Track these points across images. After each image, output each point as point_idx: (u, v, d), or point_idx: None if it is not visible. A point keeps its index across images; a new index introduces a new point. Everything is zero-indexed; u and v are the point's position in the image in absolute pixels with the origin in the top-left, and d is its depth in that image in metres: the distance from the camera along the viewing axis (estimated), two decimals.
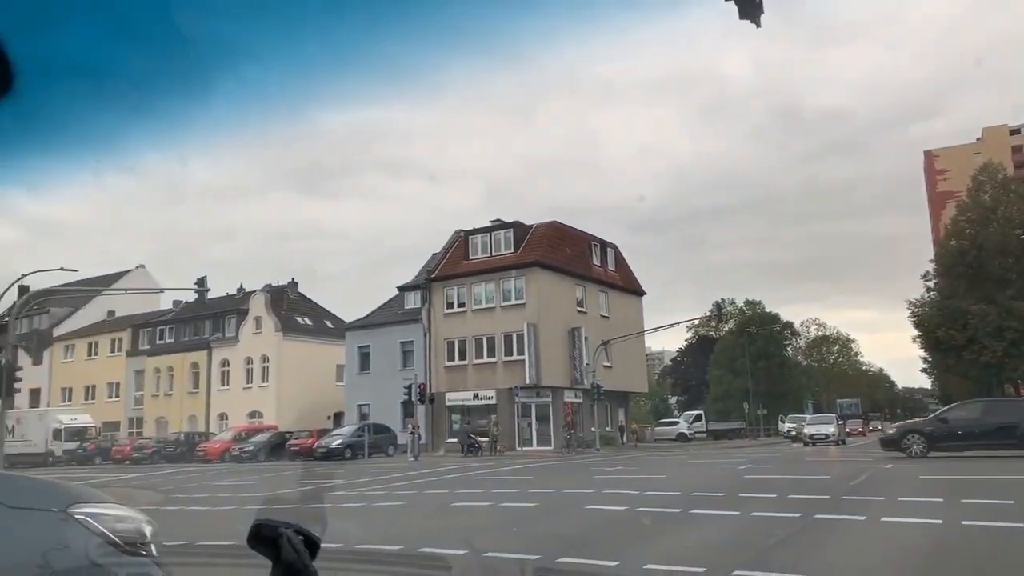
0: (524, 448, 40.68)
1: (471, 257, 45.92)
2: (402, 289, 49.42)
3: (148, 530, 2.96)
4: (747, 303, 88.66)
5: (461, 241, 47.32)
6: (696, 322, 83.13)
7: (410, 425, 37.61)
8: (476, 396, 43.25)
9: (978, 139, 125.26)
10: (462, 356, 44.30)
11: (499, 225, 46.50)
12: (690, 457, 31.59)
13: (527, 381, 41.19)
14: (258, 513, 1.57)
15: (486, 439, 38.20)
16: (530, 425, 42.13)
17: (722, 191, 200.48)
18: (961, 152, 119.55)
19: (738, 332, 78.46)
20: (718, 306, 63.69)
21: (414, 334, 45.75)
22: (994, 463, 19.83)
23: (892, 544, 8.77)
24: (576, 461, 30.32)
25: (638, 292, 53.40)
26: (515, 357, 42.31)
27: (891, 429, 30.58)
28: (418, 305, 46.68)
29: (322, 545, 1.65)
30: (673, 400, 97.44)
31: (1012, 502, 11.47)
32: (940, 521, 9.99)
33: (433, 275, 46.16)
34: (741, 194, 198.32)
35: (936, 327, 54.72)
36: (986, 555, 7.94)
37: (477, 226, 47.48)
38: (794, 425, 49.14)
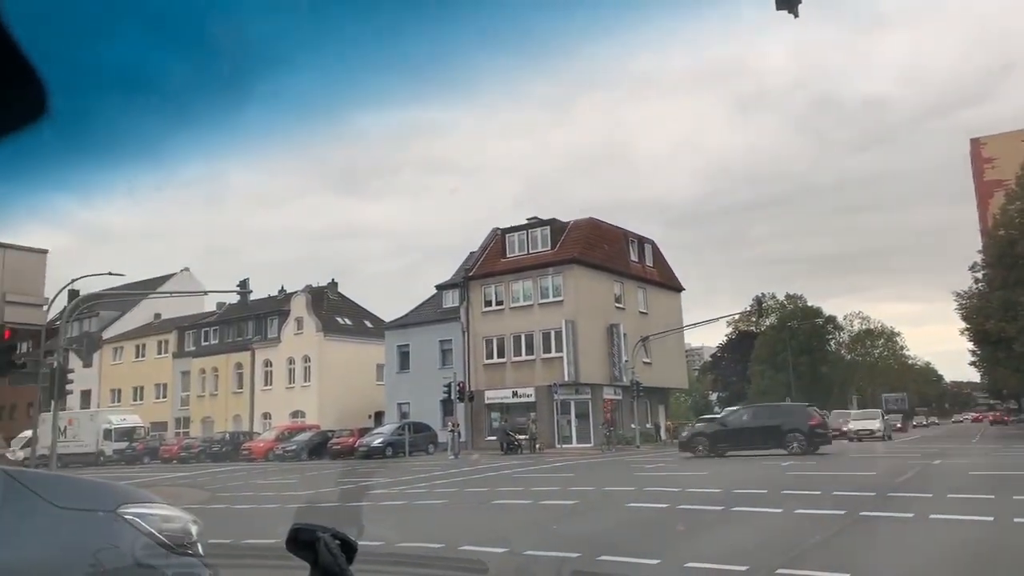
0: (563, 446, 40.62)
1: (508, 255, 45.95)
2: (440, 288, 49.65)
3: (195, 529, 3.02)
4: (788, 297, 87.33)
5: (498, 239, 47.38)
6: (736, 317, 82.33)
7: (450, 423, 37.80)
8: (515, 394, 43.29)
9: None
10: (500, 354, 44.37)
11: (536, 222, 46.47)
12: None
13: (566, 378, 41.10)
14: (296, 516, 1.60)
15: (525, 437, 38.25)
16: (569, 422, 42.05)
17: (761, 184, 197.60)
18: (1009, 139, 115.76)
19: (779, 327, 77.38)
20: (758, 301, 62.93)
21: (453, 333, 45.95)
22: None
23: (939, 543, 8.58)
24: (616, 459, 30.18)
25: (677, 288, 52.94)
26: (553, 354, 42.25)
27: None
28: (456, 304, 46.87)
29: (362, 543, 1.67)
30: (714, 396, 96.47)
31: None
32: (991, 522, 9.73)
33: (471, 273, 46.29)
34: (781, 186, 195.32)
35: (985, 319, 53.29)
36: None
37: (514, 224, 47.53)
38: (841, 421, 48.19)
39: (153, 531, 2.75)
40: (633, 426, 41.78)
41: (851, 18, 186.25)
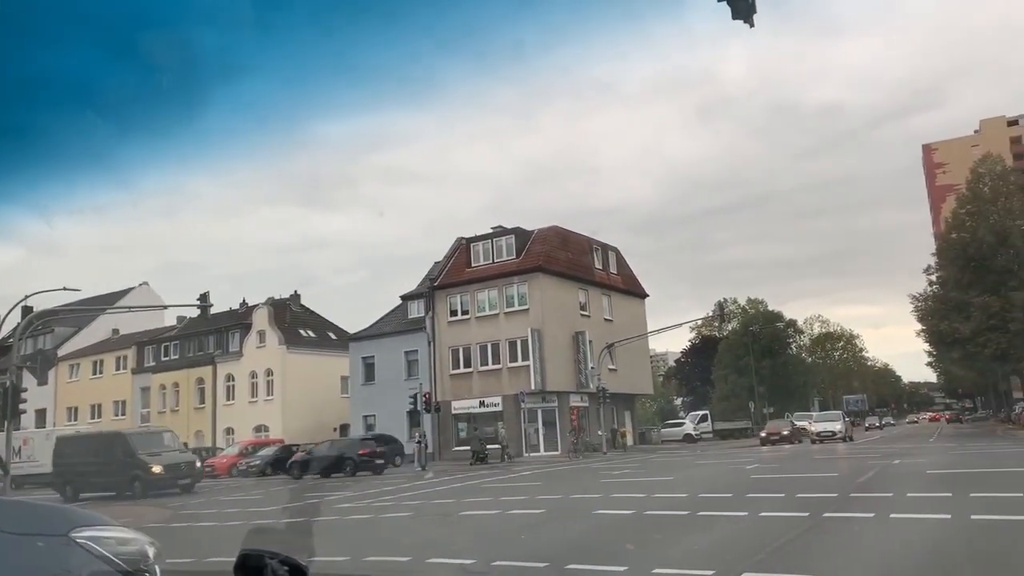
0: (531, 454, 40.61)
1: (473, 264, 45.92)
2: (405, 298, 49.41)
3: (151, 551, 2.95)
4: (750, 302, 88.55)
5: (463, 248, 47.32)
6: (699, 322, 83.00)
7: (416, 435, 37.56)
8: (482, 403, 43.20)
9: (976, 131, 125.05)
10: (467, 364, 44.26)
11: (500, 232, 46.54)
12: (697, 458, 31.52)
13: (533, 387, 41.15)
14: (244, 541, 1.57)
15: (495, 446, 38.14)
16: (537, 431, 42.07)
17: (722, 190, 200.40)
18: (959, 144, 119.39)
19: (742, 331, 78.33)
20: (720, 306, 63.36)
21: (418, 343, 45.72)
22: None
23: (900, 542, 8.74)
24: (583, 465, 30.27)
25: (640, 294, 53.38)
26: (520, 363, 42.28)
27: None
28: (422, 314, 46.65)
29: (327, 559, 1.65)
30: (679, 401, 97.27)
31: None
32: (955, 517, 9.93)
33: (436, 283, 46.15)
34: (741, 192, 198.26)
35: (939, 320, 54.72)
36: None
37: (479, 233, 47.54)
38: (803, 423, 48.93)
39: (108, 555, 2.68)
40: (600, 432, 41.94)
41: (805, 26, 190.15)
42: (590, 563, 8.07)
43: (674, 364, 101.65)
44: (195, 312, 49.99)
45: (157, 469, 26.29)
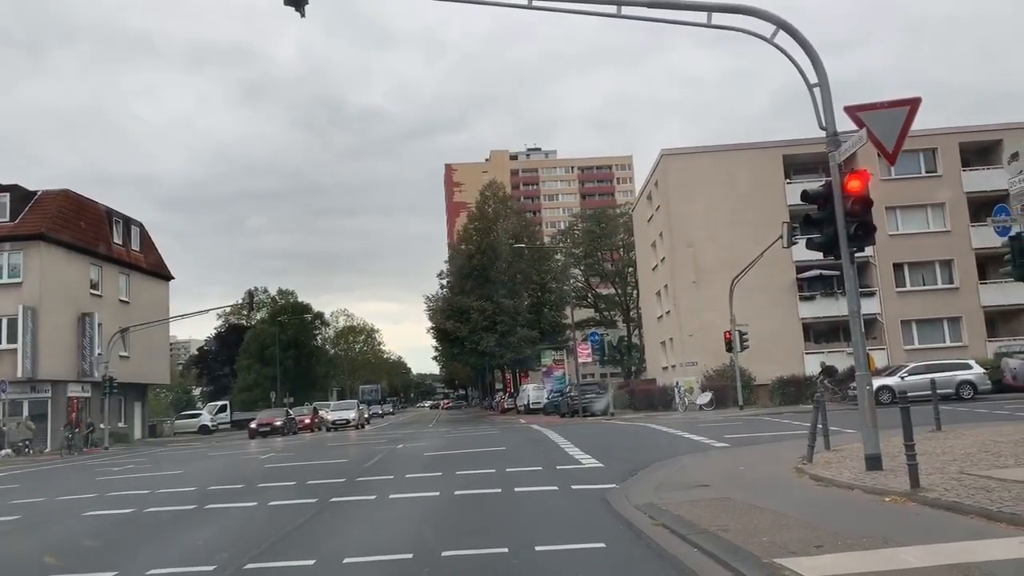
0: (8, 451, 34.53)
1: None
2: None
3: None
4: (280, 292, 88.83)
5: None
6: (228, 310, 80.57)
7: None
8: None
9: (487, 159, 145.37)
10: None
11: None
12: (211, 449, 30.41)
13: (20, 374, 35.15)
14: None
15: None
16: (19, 425, 35.94)
17: (263, 176, 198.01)
18: (474, 168, 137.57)
19: (270, 321, 78.16)
20: (251, 294, 62.69)
21: None
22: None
23: (396, 519, 9.60)
24: (80, 463, 26.86)
25: (166, 276, 49.57)
26: (5, 346, 35.85)
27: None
28: None
29: None
30: (198, 391, 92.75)
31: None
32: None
33: None
34: (282, 182, 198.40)
35: (445, 320, 62.21)
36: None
37: None
38: (323, 412, 50.52)
39: None
40: (103, 426, 37.68)
41: (357, 28, 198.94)
42: (73, 572, 7.16)
43: (196, 352, 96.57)
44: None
45: None
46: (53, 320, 36.99)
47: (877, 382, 22.09)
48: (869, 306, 35.61)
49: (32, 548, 8.95)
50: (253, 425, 40.87)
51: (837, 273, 32.65)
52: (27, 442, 33.94)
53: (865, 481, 9.06)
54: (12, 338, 35.82)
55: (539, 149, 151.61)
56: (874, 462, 9.71)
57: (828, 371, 32.55)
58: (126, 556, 7.88)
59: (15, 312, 35.72)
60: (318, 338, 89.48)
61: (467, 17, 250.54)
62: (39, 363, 35.97)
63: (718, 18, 10.76)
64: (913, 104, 9.75)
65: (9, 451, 33.15)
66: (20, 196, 38.72)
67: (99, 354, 38.81)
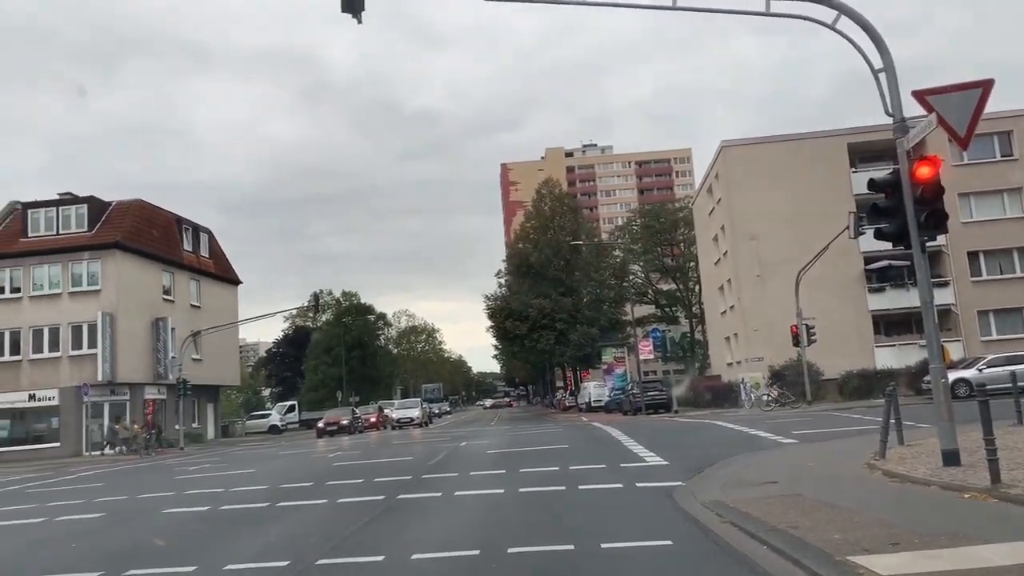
0: (94, 453, 36.18)
1: (31, 234, 39.45)
2: None
3: None
4: (344, 294, 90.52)
5: (18, 215, 40.43)
6: (294, 312, 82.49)
7: None
8: (32, 397, 37.31)
9: (542, 157, 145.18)
10: (14, 351, 37.93)
11: (70, 199, 40.73)
12: (281, 449, 31.20)
13: (100, 378, 36.73)
14: None
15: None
16: (102, 426, 37.61)
17: (324, 179, 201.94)
18: (529, 167, 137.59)
19: (335, 322, 79.72)
20: (316, 296, 63.90)
21: None
22: None
23: (462, 516, 9.71)
24: (157, 462, 27.91)
25: (234, 280, 51.08)
26: (86, 351, 37.49)
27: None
28: None
29: None
30: (267, 392, 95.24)
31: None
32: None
33: None
34: (342, 184, 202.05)
35: (504, 318, 62.47)
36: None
37: (40, 198, 40.90)
38: (387, 411, 51.34)
39: None
40: (177, 427, 39.07)
41: (412, 31, 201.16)
42: (154, 566, 7.46)
43: (265, 354, 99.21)
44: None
45: None
46: (129, 325, 38.51)
47: (953, 375, 21.29)
48: (943, 297, 34.29)
49: (116, 544, 9.35)
50: (320, 424, 41.85)
51: (908, 263, 31.60)
52: (132, 440, 35.33)
53: (942, 477, 8.76)
54: (92, 343, 37.43)
55: (595, 145, 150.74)
56: (951, 457, 9.38)
57: (776, 376, 32.53)
58: (204, 552, 8.17)
59: (94, 318, 37.32)
60: (381, 338, 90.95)
61: (520, 15, 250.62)
62: (117, 367, 37.49)
63: (776, 6, 10.55)
64: (986, 86, 9.37)
65: (122, 447, 34.99)
66: (96, 207, 40.44)
67: (173, 357, 40.24)
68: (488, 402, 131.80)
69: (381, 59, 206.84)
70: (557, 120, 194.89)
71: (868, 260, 37.00)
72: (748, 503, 8.35)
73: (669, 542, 6.88)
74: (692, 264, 64.51)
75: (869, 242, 24.32)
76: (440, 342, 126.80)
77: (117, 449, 35.12)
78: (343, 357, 70.05)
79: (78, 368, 37.28)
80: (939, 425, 9.61)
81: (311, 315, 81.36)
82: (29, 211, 39.95)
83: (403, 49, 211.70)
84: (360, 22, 11.80)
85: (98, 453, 36.02)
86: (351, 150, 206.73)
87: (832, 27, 10.28)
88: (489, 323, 69.96)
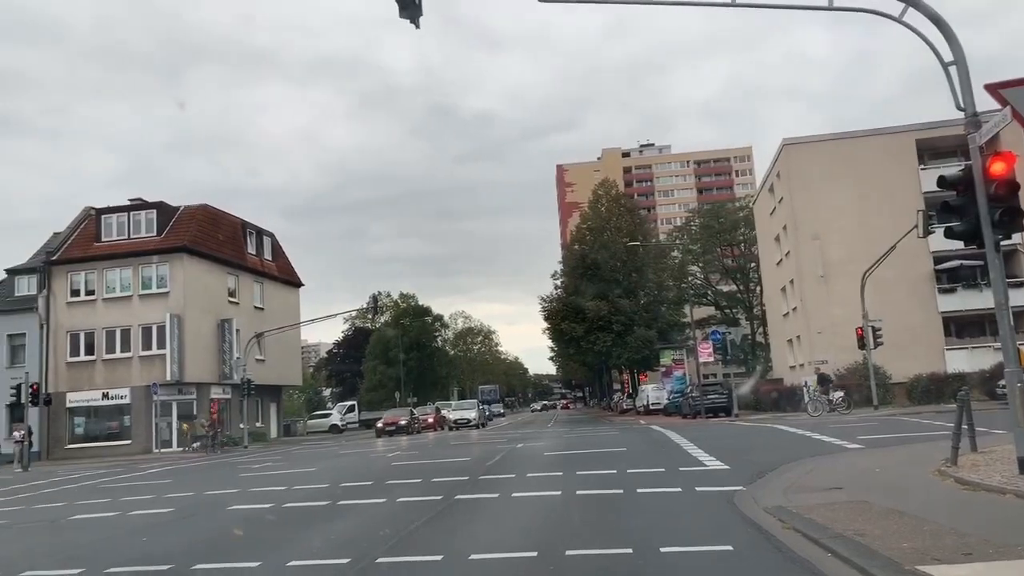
0: (163, 450, 37.40)
1: (104, 239, 40.98)
2: (12, 272, 42.28)
3: None
4: (401, 296, 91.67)
5: (92, 220, 42.02)
6: (353, 314, 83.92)
7: (16, 432, 32.41)
8: (106, 395, 38.78)
9: (598, 158, 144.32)
10: (89, 351, 39.41)
11: (140, 205, 42.16)
12: (341, 448, 31.72)
13: (168, 377, 37.95)
14: None
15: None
16: (170, 425, 38.86)
17: (382, 183, 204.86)
18: (585, 168, 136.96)
19: (393, 324, 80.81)
20: (374, 298, 64.79)
21: (27, 325, 39.45)
22: None
23: (520, 517, 9.71)
24: (222, 460, 28.70)
25: (295, 283, 52.19)
26: (155, 351, 38.80)
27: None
28: (33, 291, 40.31)
29: None
30: (327, 392, 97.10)
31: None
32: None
33: (55, 257, 40.29)
34: (399, 187, 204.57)
35: (560, 320, 62.20)
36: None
37: (113, 204, 42.60)
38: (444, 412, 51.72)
39: None
40: (242, 426, 40.11)
41: (468, 35, 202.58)
42: (221, 561, 7.67)
43: (326, 355, 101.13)
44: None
45: None
46: (196, 327, 39.70)
47: None
48: (1018, 297, 32.84)
49: (184, 539, 9.65)
50: (380, 424, 42.45)
51: (980, 263, 30.45)
52: (205, 438, 36.49)
53: (1018, 485, 8.40)
54: (161, 344, 38.70)
55: (652, 144, 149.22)
56: None
57: (822, 379, 30.46)
58: (268, 548, 8.36)
59: (163, 320, 38.59)
60: (438, 340, 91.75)
61: (574, 15, 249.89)
62: (185, 367, 38.68)
63: (841, 0, 10.29)
64: None
65: (196, 444, 36.28)
66: (164, 212, 41.81)
67: (237, 358, 41.34)
68: (537, 405, 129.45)
69: (438, 63, 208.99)
70: (613, 120, 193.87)
71: (938, 260, 35.75)
72: (812, 509, 8.15)
73: (730, 547, 6.76)
74: (753, 265, 63.31)
75: (939, 241, 23.46)
76: (496, 344, 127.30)
77: (197, 445, 36.29)
78: (401, 358, 70.92)
79: (148, 368, 38.60)
80: (1015, 431, 9.22)
81: (370, 317, 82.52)
82: (102, 216, 41.57)
83: (459, 52, 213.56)
84: (418, 27, 11.93)
85: (167, 450, 37.22)
86: (408, 153, 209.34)
87: (899, 20, 9.98)
88: (545, 325, 69.91)
